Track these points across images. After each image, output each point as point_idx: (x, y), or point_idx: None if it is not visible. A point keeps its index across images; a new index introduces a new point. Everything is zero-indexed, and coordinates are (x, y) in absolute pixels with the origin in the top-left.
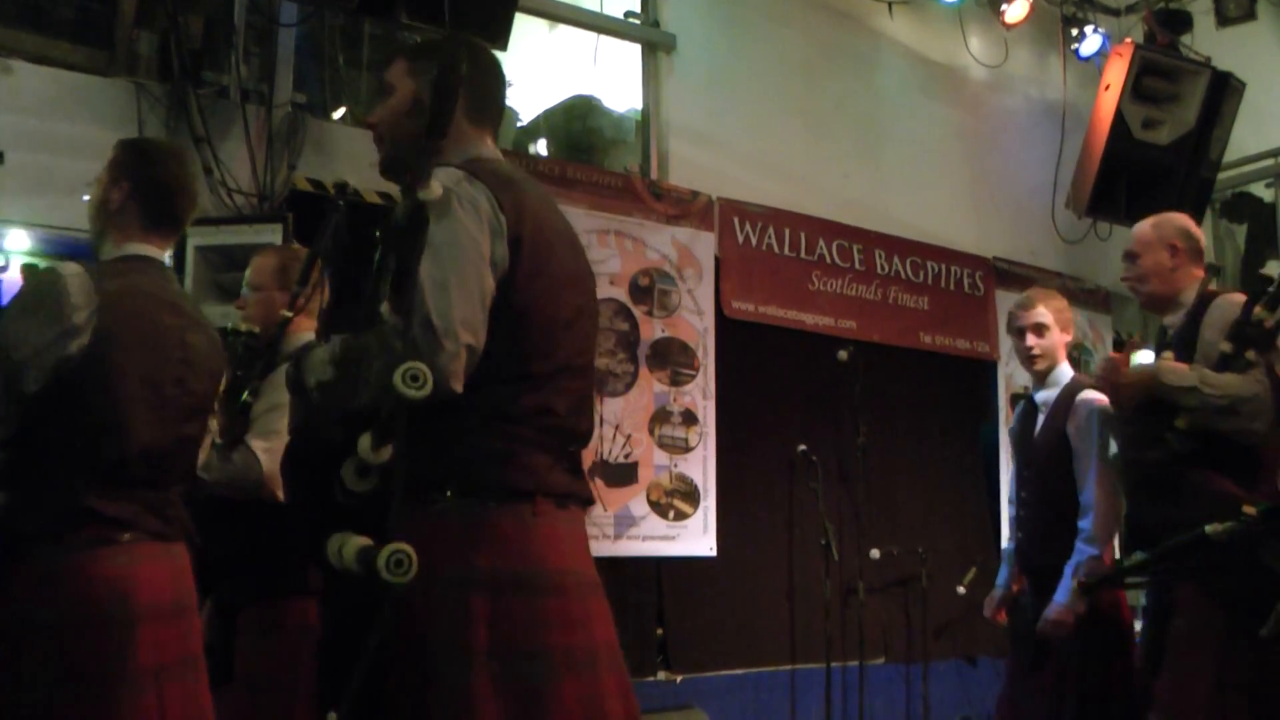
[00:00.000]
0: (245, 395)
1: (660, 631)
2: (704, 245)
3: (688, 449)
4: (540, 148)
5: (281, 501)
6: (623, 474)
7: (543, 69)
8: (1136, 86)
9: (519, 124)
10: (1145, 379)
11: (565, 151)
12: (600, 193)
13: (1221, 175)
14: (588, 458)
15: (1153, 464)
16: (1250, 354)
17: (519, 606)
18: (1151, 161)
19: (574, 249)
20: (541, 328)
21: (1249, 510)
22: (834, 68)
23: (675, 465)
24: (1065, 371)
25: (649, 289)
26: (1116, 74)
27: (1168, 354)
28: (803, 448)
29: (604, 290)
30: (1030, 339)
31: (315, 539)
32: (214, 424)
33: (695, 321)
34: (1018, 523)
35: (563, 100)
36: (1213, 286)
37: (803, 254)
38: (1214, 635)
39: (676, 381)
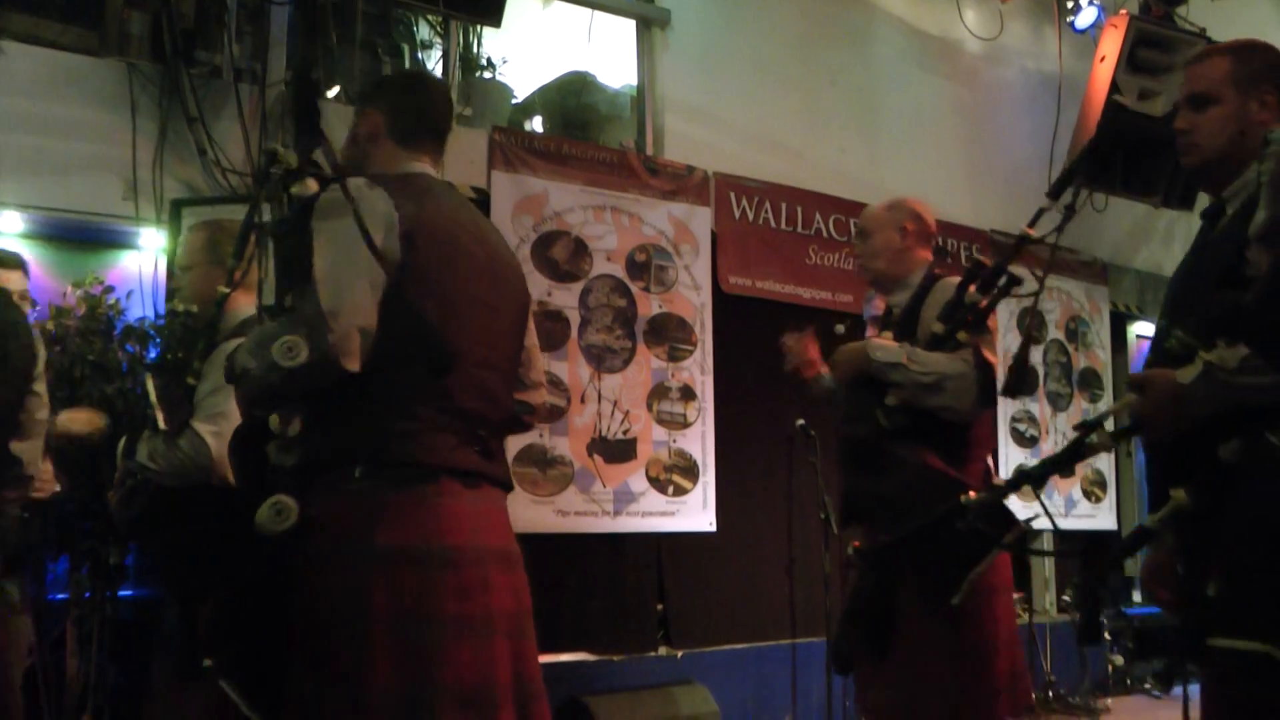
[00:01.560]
0: (189, 378)
1: (660, 607)
2: (700, 220)
3: (686, 424)
4: (535, 124)
5: (233, 485)
6: (621, 450)
7: (537, 46)
8: (1131, 58)
9: (514, 101)
10: (856, 355)
11: (560, 128)
12: (596, 169)
13: None
14: (585, 434)
15: (861, 438)
16: (962, 334)
17: (412, 578)
18: (1146, 133)
19: (487, 249)
20: (438, 315)
21: (998, 481)
22: (829, 42)
23: (674, 441)
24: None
25: (646, 265)
26: (1111, 45)
27: (887, 333)
28: (801, 422)
29: (601, 267)
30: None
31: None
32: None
33: (692, 297)
34: None
35: (558, 77)
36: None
37: (799, 228)
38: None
39: (674, 357)
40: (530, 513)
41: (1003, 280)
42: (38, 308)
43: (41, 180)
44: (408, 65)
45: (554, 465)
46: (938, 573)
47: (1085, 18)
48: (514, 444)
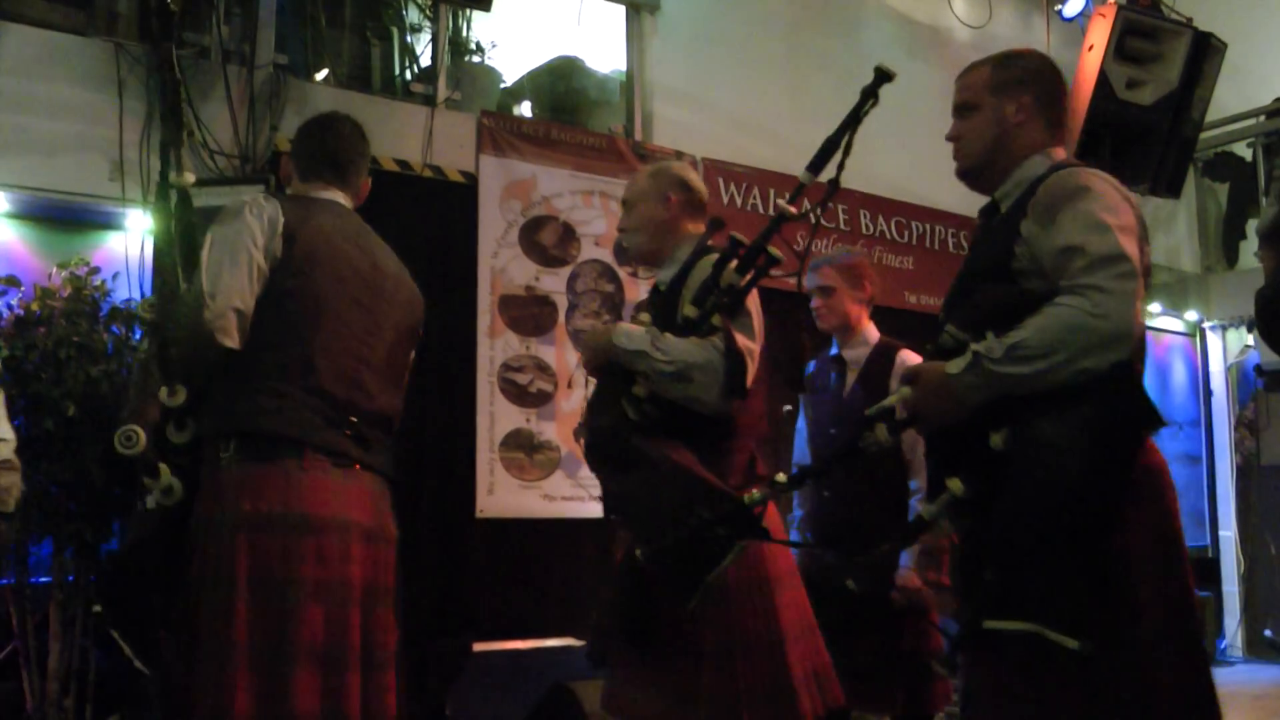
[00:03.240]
0: None
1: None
2: None
3: None
4: (524, 109)
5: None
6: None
7: (526, 30)
8: (1119, 47)
9: (503, 85)
10: (601, 340)
11: (549, 113)
12: (584, 154)
13: (1204, 135)
14: (572, 418)
15: (607, 431)
16: (716, 319)
17: (274, 543)
18: (1134, 121)
19: (372, 262)
20: (307, 307)
21: (779, 478)
22: (818, 28)
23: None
24: (871, 330)
25: None
26: (1100, 34)
27: (644, 315)
28: (788, 408)
29: (589, 251)
30: (815, 302)
31: None
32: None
33: None
34: (826, 483)
35: (547, 61)
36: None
37: None
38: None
39: None
40: (517, 498)
41: (761, 260)
42: (23, 289)
43: (27, 160)
44: (395, 49)
45: (541, 450)
46: (678, 573)
47: (1073, 6)
48: (501, 428)
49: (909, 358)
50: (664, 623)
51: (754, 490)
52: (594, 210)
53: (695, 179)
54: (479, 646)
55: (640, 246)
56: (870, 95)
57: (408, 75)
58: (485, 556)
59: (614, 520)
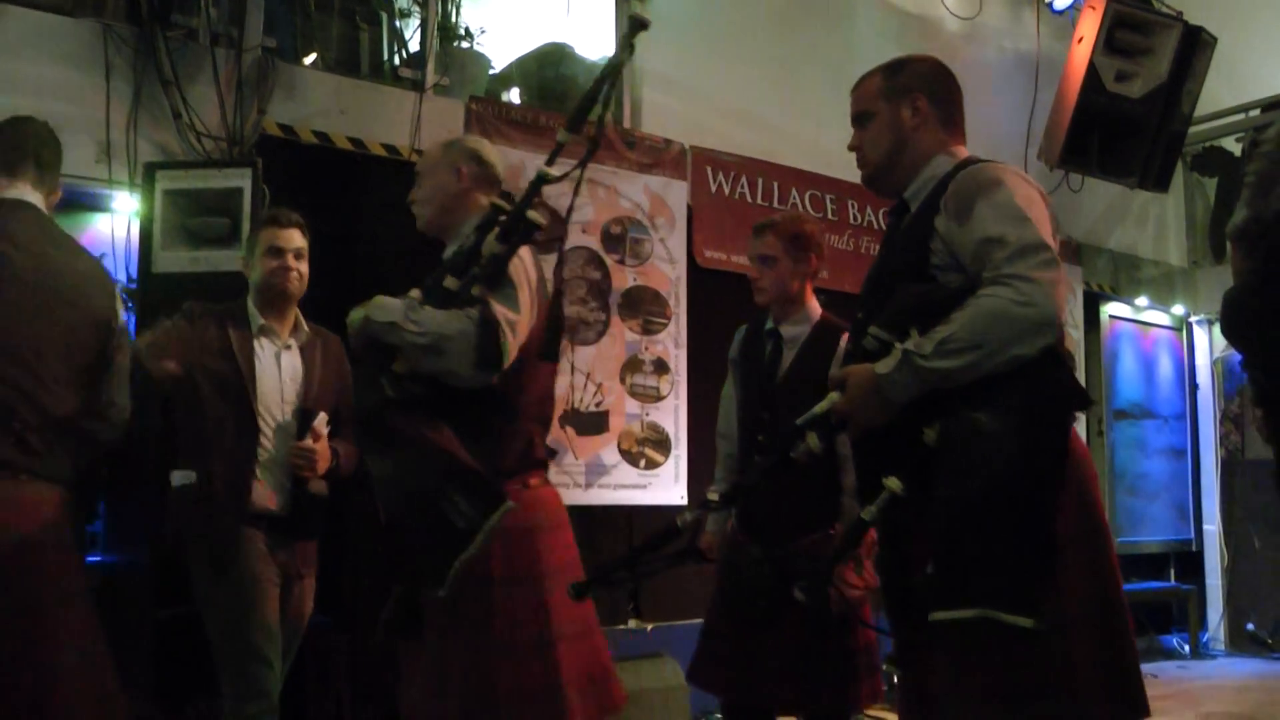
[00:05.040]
0: None
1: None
2: (676, 194)
3: (659, 398)
4: (513, 96)
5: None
6: (594, 423)
7: (516, 16)
8: (1109, 39)
9: (492, 71)
10: (357, 316)
11: (538, 99)
12: (573, 141)
13: (1193, 129)
14: (558, 405)
15: (370, 410)
16: (477, 289)
17: None
18: (1123, 114)
19: (42, 264)
20: None
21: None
22: (809, 18)
23: (647, 414)
24: (814, 306)
25: (621, 237)
26: (1089, 27)
27: (415, 291)
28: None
29: (576, 239)
30: (754, 271)
31: None
32: None
33: (667, 270)
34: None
35: (535, 48)
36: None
37: (775, 203)
38: None
39: (648, 330)
40: None
41: (521, 227)
42: None
43: None
44: (384, 33)
45: None
46: (426, 559)
47: None
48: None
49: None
50: (425, 613)
51: (686, 514)
52: (582, 197)
53: (489, 152)
54: None
55: (429, 218)
56: (627, 45)
57: (396, 60)
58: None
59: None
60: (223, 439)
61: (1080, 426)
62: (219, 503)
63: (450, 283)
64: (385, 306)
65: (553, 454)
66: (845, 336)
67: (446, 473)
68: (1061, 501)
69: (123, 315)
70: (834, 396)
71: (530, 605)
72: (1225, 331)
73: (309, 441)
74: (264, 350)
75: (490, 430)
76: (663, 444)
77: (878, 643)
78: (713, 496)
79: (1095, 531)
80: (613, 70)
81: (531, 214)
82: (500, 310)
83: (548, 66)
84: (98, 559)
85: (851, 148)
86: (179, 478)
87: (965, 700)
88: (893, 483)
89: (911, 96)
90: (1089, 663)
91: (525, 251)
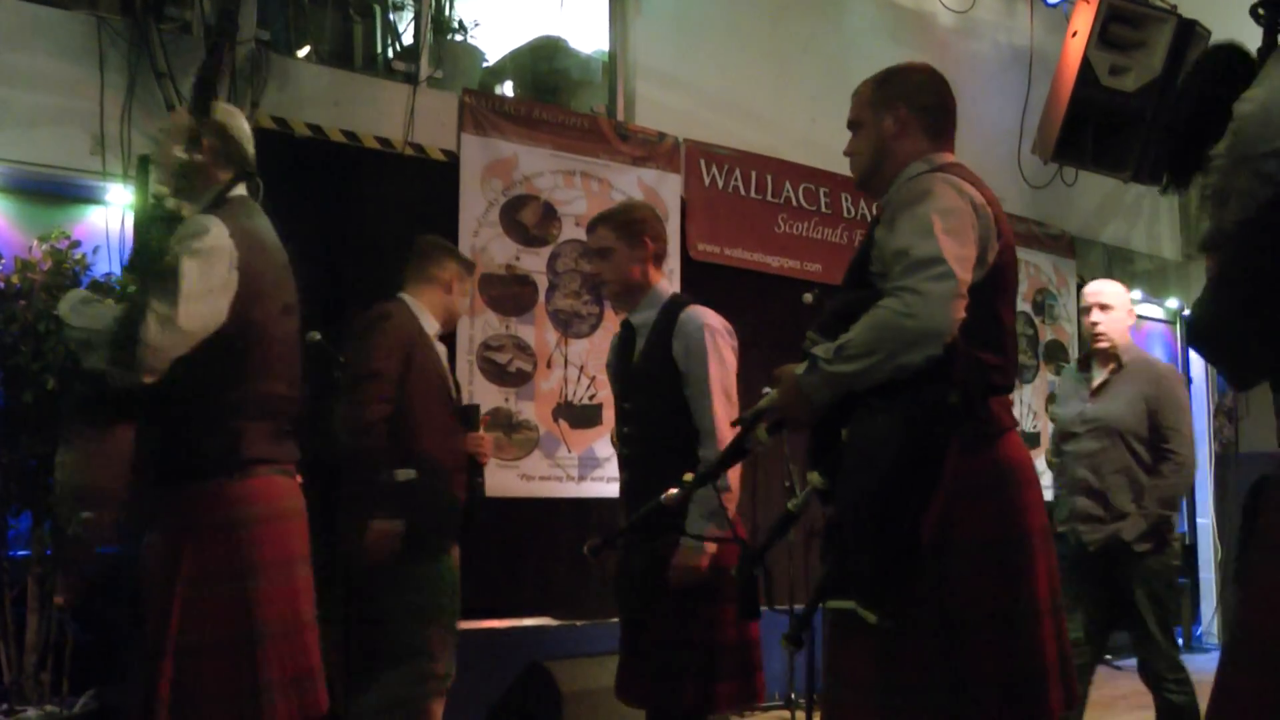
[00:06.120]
0: None
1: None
2: (670, 187)
3: None
4: (506, 89)
5: None
6: (587, 416)
7: (509, 9)
8: (1103, 33)
9: (485, 64)
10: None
11: (531, 92)
12: (566, 134)
13: None
14: (551, 398)
15: (68, 410)
16: (133, 282)
17: None
18: (1117, 108)
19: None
20: None
21: (686, 478)
22: (802, 11)
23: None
24: (662, 289)
25: None
26: (1084, 20)
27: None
28: (767, 390)
29: (569, 232)
30: (593, 267)
31: None
32: None
33: None
34: (623, 462)
35: (529, 41)
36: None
37: (769, 197)
38: None
39: None
40: (495, 477)
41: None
42: (2, 262)
43: (7, 133)
44: (378, 26)
45: (519, 429)
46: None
47: None
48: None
49: (695, 315)
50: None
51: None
52: (575, 190)
53: (237, 125)
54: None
55: (176, 188)
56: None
57: (390, 53)
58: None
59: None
60: (436, 434)
61: None
62: (442, 495)
63: (126, 278)
64: (67, 300)
65: (294, 451)
66: (687, 310)
67: (98, 477)
68: (972, 511)
69: None
70: (772, 393)
71: (235, 601)
72: (1189, 340)
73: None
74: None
75: (192, 425)
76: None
77: (759, 641)
78: (687, 478)
79: (1015, 540)
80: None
81: (171, 202)
82: (157, 306)
83: (541, 59)
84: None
85: (847, 153)
86: (400, 474)
87: (860, 688)
88: (814, 477)
89: (896, 106)
90: (984, 666)
91: (226, 235)
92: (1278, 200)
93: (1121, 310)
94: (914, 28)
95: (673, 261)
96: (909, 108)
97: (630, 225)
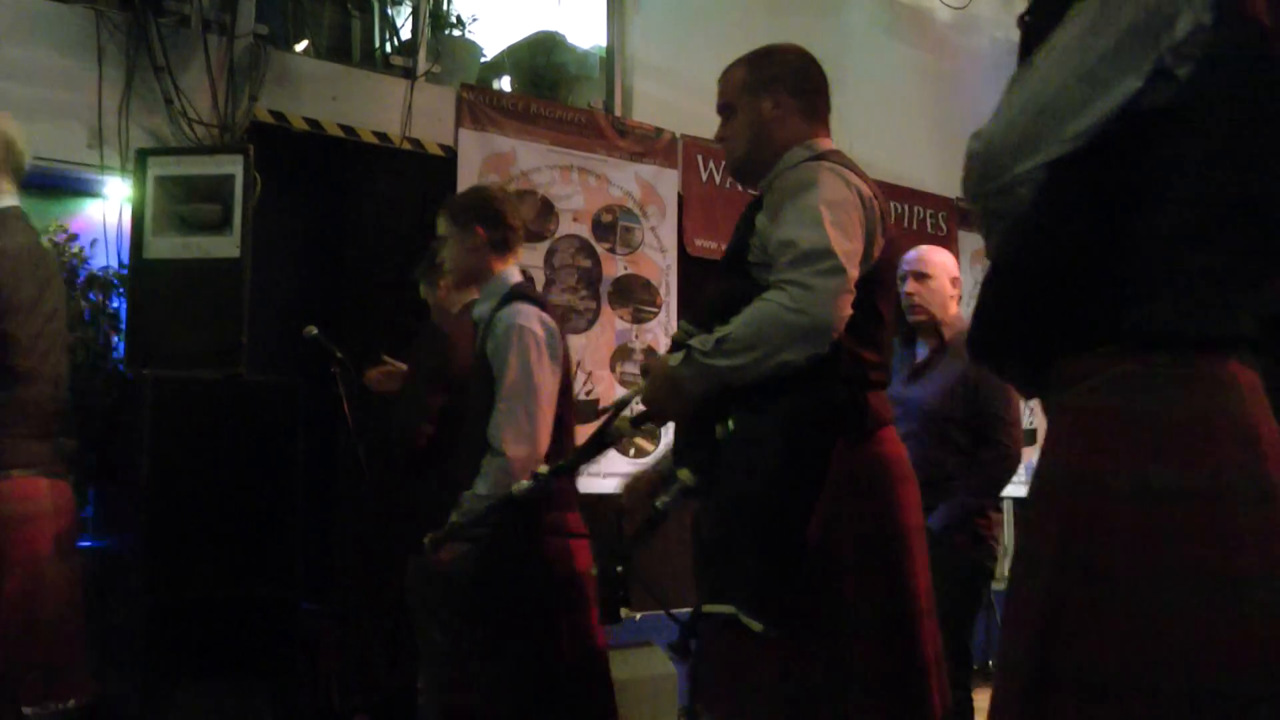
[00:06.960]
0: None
1: (620, 569)
2: (667, 183)
3: None
4: (504, 83)
5: None
6: (584, 411)
7: (507, 4)
8: None
9: (483, 59)
10: None
11: (529, 87)
12: (564, 129)
13: None
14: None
15: None
16: None
17: None
18: None
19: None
20: None
21: (541, 469)
22: (800, 7)
23: (637, 403)
24: (506, 278)
25: (612, 226)
26: None
27: None
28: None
29: (567, 227)
30: (440, 258)
31: None
32: None
33: (658, 259)
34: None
35: (527, 36)
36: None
37: None
38: None
39: (638, 319)
40: None
41: None
42: None
43: None
44: (376, 21)
45: None
46: None
47: None
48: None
49: (509, 314)
50: None
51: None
52: (572, 185)
53: (16, 132)
54: None
55: None
56: None
57: (388, 48)
58: None
59: None
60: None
61: None
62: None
63: None
64: None
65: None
66: (511, 307)
67: None
68: (850, 511)
69: None
70: (641, 384)
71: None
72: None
73: None
74: None
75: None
76: (652, 432)
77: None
78: (542, 469)
79: (897, 538)
80: None
81: None
82: None
83: (539, 54)
84: (88, 544)
85: (717, 139)
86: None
87: (740, 694)
88: (683, 474)
89: (773, 89)
90: (868, 668)
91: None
92: (1009, 234)
93: (943, 279)
94: (912, 24)
95: (670, 257)
96: (787, 91)
97: (461, 212)
